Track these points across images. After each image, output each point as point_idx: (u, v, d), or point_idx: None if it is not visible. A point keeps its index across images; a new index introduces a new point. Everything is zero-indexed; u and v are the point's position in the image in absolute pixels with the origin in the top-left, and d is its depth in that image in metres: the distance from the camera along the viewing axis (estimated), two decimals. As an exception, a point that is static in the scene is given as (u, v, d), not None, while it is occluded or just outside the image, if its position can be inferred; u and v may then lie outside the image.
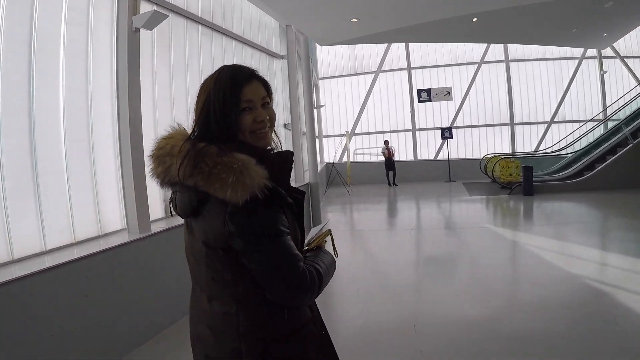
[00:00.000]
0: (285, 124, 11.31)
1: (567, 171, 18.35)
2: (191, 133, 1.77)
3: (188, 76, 7.46)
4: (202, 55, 7.94)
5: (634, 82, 23.00)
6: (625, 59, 23.40)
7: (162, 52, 6.85)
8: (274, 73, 11.08)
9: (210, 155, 1.62)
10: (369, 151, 25.05)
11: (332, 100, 25.14)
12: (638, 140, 16.45)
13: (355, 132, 25.12)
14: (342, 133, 24.07)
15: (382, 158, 22.07)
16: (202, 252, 1.72)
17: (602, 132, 20.46)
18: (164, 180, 1.76)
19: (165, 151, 1.73)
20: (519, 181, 16.64)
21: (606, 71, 23.06)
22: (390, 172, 21.64)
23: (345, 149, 23.72)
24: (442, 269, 7.79)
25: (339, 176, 20.88)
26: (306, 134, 11.62)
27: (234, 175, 1.57)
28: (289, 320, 1.76)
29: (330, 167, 21.53)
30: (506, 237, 9.73)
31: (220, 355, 1.75)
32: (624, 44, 23.07)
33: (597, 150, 18.16)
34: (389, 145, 21.76)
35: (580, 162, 18.31)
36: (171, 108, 6.99)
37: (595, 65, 23.58)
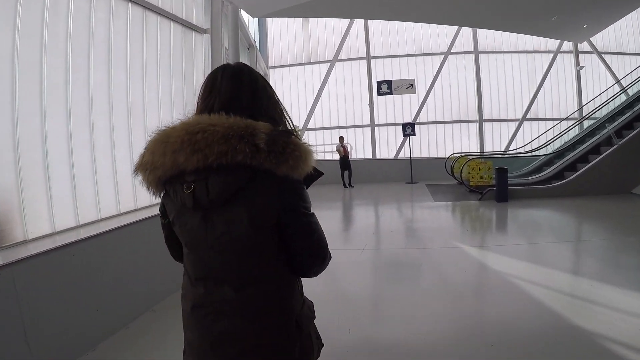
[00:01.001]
0: (207, 116, 9.33)
1: (543, 173, 16.92)
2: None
3: (48, 45, 5.43)
4: (76, 19, 5.88)
5: (610, 79, 22.19)
6: (602, 55, 22.48)
7: (2, 8, 4.85)
8: (193, 50, 9.01)
9: (283, 134, 1.79)
10: (322, 148, 23.24)
11: (283, 92, 23.34)
12: (625, 140, 14.98)
13: (308, 127, 23.34)
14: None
15: (336, 156, 20.23)
16: (242, 236, 1.77)
17: (577, 131, 19.38)
18: (193, 168, 1.76)
19: (210, 138, 1.72)
20: (491, 185, 15.12)
21: (583, 66, 22.16)
22: (346, 172, 19.90)
23: (296, 145, 21.75)
24: (394, 319, 5.71)
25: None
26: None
27: (306, 153, 1.80)
28: (301, 289, 2.00)
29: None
30: (481, 264, 7.69)
31: (265, 340, 1.83)
32: (601, 39, 22.38)
33: (576, 151, 16.76)
34: (345, 142, 20.06)
35: (557, 164, 16.89)
36: (12, 84, 4.91)
37: (571, 60, 22.65)
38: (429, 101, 22.79)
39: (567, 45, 22.35)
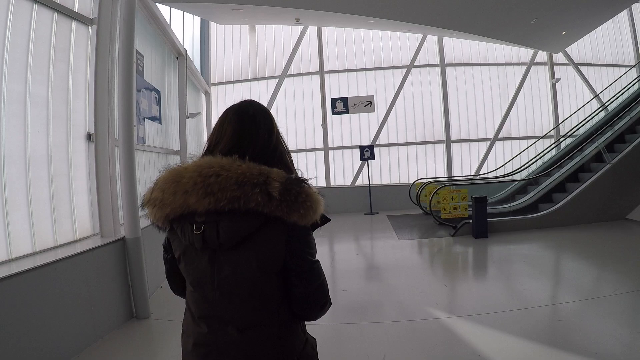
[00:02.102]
0: (89, 134, 7.15)
1: (522, 200, 15.23)
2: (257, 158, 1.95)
3: None
4: None
5: (587, 92, 21.10)
6: (579, 66, 21.30)
7: None
8: (72, 46, 6.71)
9: (296, 183, 1.88)
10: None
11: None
12: (618, 157, 13.51)
13: (253, 152, 21.07)
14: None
15: (285, 185, 18.05)
16: (249, 280, 1.89)
17: (556, 151, 18.17)
18: (204, 210, 1.85)
19: (223, 182, 1.82)
20: (466, 216, 13.35)
21: (559, 79, 20.81)
22: (296, 203, 17.72)
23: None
24: None
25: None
26: (120, 148, 7.24)
27: (316, 203, 1.89)
28: (303, 327, 2.11)
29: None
30: (476, 354, 5.62)
31: None
32: (576, 50, 21.30)
33: (560, 173, 15.08)
34: (295, 168, 17.87)
35: (539, 189, 15.24)
36: None
37: (545, 73, 21.30)
38: (389, 120, 20.98)
39: (541, 56, 21.07)
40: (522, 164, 17.99)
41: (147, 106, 10.23)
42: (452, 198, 14.00)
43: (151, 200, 1.91)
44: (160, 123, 11.64)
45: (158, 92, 11.28)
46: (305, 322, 2.14)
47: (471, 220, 12.58)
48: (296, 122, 21.26)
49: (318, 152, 21.04)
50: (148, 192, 1.94)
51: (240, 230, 1.82)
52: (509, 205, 15.11)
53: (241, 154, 1.90)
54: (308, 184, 1.90)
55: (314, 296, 1.95)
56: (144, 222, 7.49)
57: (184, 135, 13.58)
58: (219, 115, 2.06)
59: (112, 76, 7.23)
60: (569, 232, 12.14)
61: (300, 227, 1.87)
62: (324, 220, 1.99)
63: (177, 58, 13.88)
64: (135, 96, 7.18)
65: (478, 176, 19.87)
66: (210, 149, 2.00)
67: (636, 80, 18.85)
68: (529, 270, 9.13)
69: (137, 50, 9.10)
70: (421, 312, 6.87)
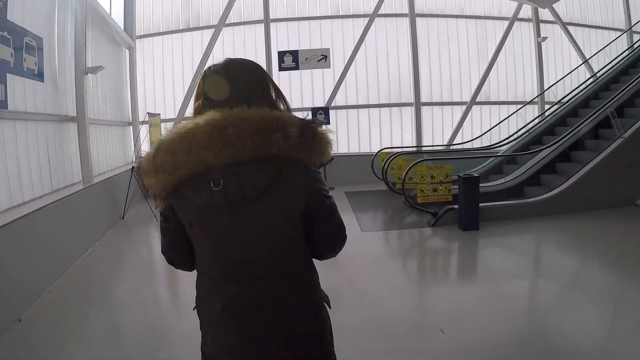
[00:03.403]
0: None
1: (511, 177, 12.71)
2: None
3: None
4: None
5: (574, 55, 19.23)
6: (567, 26, 19.27)
7: None
8: None
9: (309, 124, 1.92)
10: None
11: (154, 68, 18.37)
12: (633, 129, 11.19)
13: (185, 114, 17.97)
14: (154, 117, 15.70)
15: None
16: (275, 228, 1.87)
17: (540, 120, 16.28)
18: (222, 164, 1.81)
19: (243, 132, 1.79)
20: (449, 200, 10.83)
21: (546, 37, 18.64)
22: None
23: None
24: None
25: (142, 190, 12.88)
26: None
27: (330, 141, 1.96)
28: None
29: (130, 176, 13.15)
30: None
31: (304, 327, 1.94)
32: (564, 9, 19.25)
33: (562, 142, 12.54)
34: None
35: (533, 163, 12.74)
36: None
37: (529, 30, 19.12)
38: (348, 79, 18.34)
39: (525, 12, 18.91)
40: (512, 132, 15.97)
41: (12, 56, 7.53)
42: (432, 176, 11.28)
43: (156, 168, 1.81)
44: (44, 81, 9.01)
45: (39, 39, 8.59)
46: None
47: (457, 206, 10.07)
48: (236, 79, 18.21)
49: (262, 115, 18.08)
50: (147, 160, 1.85)
51: (262, 178, 1.80)
52: (503, 182, 12.47)
53: (249, 104, 1.86)
54: (317, 124, 1.93)
55: (336, 231, 1.98)
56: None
57: (81, 96, 10.78)
58: (202, 74, 2.05)
59: None
60: (580, 222, 9.84)
61: (315, 167, 1.92)
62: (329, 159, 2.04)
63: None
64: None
65: (452, 145, 17.78)
66: (206, 105, 1.94)
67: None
68: (555, 292, 6.39)
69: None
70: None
